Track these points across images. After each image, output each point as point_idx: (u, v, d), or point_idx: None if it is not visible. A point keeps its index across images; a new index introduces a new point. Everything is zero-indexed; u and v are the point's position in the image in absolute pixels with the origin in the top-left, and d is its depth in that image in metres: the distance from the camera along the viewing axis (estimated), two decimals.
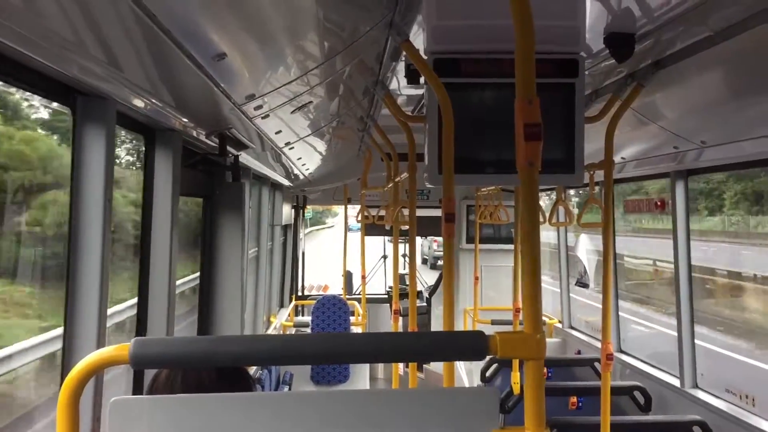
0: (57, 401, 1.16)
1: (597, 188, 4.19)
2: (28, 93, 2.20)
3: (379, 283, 12.15)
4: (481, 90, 2.79)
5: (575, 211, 6.87)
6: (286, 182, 7.03)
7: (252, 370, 4.85)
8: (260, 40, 2.10)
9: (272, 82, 2.60)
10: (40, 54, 1.66)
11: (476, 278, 8.03)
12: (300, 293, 10.26)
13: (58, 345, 2.29)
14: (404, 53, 2.47)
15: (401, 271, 7.82)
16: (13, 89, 2.32)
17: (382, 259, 12.75)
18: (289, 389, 6.28)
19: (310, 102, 3.21)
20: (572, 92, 2.78)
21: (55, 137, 3.00)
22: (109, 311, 2.31)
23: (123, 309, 3.48)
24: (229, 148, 3.51)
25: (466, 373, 7.55)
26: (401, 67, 3.02)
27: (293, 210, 9.48)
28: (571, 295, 7.43)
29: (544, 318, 7.57)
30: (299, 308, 9.59)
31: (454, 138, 2.22)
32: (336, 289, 11.34)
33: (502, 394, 4.85)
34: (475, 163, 2.78)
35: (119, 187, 3.14)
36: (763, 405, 4.03)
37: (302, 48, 2.34)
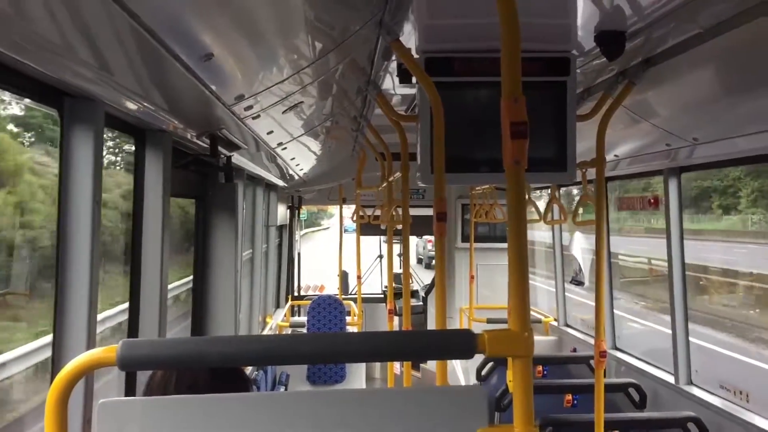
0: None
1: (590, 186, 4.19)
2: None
3: (375, 283, 12.15)
4: (473, 89, 2.79)
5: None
6: (280, 183, 7.02)
7: (248, 370, 4.84)
8: (248, 40, 2.09)
9: (262, 82, 2.59)
10: (27, 57, 1.65)
11: (471, 277, 8.03)
12: (296, 293, 10.25)
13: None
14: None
15: (396, 270, 7.81)
16: None
17: (378, 259, 12.74)
18: (285, 389, 6.28)
19: (302, 102, 3.20)
20: (564, 90, 2.78)
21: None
22: (110, 312, 2.31)
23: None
24: (221, 149, 3.50)
25: (463, 372, 7.55)
26: (395, 66, 3.02)
27: (288, 210, 9.47)
28: (567, 294, 7.44)
29: (539, 316, 7.62)
30: (295, 308, 9.58)
31: (446, 137, 2.22)
32: (332, 289, 11.32)
33: (498, 392, 4.86)
34: (467, 162, 2.78)
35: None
36: (757, 401, 4.03)
37: (291, 47, 2.33)
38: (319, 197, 9.80)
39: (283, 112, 3.25)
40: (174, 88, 2.28)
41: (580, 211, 4.44)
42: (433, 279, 10.93)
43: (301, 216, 11.31)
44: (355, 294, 8.65)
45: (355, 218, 7.18)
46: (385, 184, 4.64)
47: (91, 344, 2.17)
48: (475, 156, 2.79)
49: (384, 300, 10.42)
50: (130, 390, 2.88)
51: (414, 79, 2.69)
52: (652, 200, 5.27)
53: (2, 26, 1.41)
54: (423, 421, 1.32)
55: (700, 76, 2.74)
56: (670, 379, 4.75)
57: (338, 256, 9.02)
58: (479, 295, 8.43)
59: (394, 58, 2.87)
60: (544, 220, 5.42)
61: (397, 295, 6.61)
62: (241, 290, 5.38)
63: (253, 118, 3.05)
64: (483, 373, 5.67)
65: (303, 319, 8.27)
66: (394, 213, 4.62)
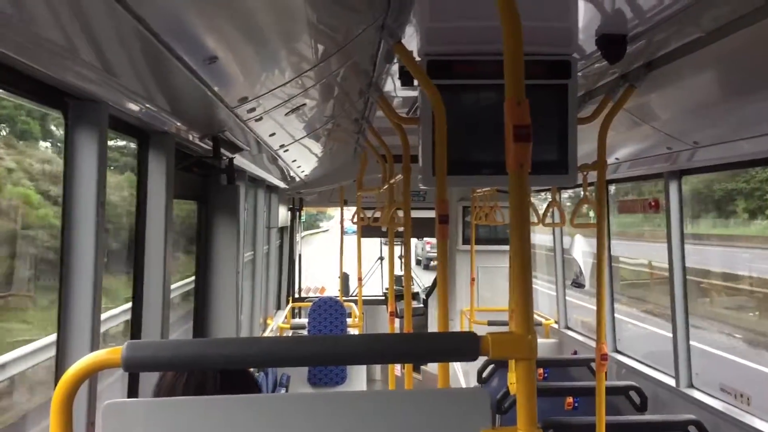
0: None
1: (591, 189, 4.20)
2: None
3: (376, 285, 12.15)
4: (475, 91, 2.80)
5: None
6: (282, 184, 7.03)
7: None
8: (252, 43, 2.10)
9: (265, 85, 2.60)
10: (32, 59, 1.66)
11: (472, 279, 8.03)
12: (297, 295, 10.25)
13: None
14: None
15: (397, 272, 7.81)
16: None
17: (379, 261, 12.75)
18: (286, 391, 6.27)
19: (304, 104, 3.21)
20: (565, 93, 2.79)
21: None
22: (112, 312, 2.31)
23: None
24: (223, 151, 3.51)
25: (463, 374, 7.55)
26: (396, 69, 3.03)
27: (290, 212, 9.47)
28: (567, 298, 7.44)
29: (540, 319, 7.62)
30: (296, 310, 9.58)
31: (448, 140, 2.23)
32: (333, 291, 11.33)
33: (499, 394, 4.86)
34: (469, 164, 2.78)
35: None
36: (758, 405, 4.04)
37: (294, 50, 2.34)
38: (320, 199, 9.80)
39: (286, 115, 3.26)
40: (178, 90, 2.29)
41: (586, 212, 4.44)
42: (434, 281, 10.95)
43: (301, 218, 11.32)
44: (355, 296, 8.65)
45: (355, 220, 7.18)
46: (386, 186, 4.65)
47: (95, 345, 2.17)
48: (477, 158, 2.80)
49: (385, 302, 10.42)
50: (133, 391, 2.89)
51: (416, 82, 2.70)
52: (652, 203, 5.27)
53: (8, 29, 1.41)
54: (425, 423, 1.33)
55: (702, 80, 2.75)
56: (671, 382, 4.76)
57: (339, 258, 9.03)
58: (480, 297, 8.43)
59: (395, 60, 2.88)
60: (542, 223, 5.43)
61: (398, 297, 6.62)
62: (243, 292, 5.39)
63: (256, 121, 3.06)
64: (484, 375, 5.67)
65: (304, 320, 8.27)
66: (394, 215, 4.62)
